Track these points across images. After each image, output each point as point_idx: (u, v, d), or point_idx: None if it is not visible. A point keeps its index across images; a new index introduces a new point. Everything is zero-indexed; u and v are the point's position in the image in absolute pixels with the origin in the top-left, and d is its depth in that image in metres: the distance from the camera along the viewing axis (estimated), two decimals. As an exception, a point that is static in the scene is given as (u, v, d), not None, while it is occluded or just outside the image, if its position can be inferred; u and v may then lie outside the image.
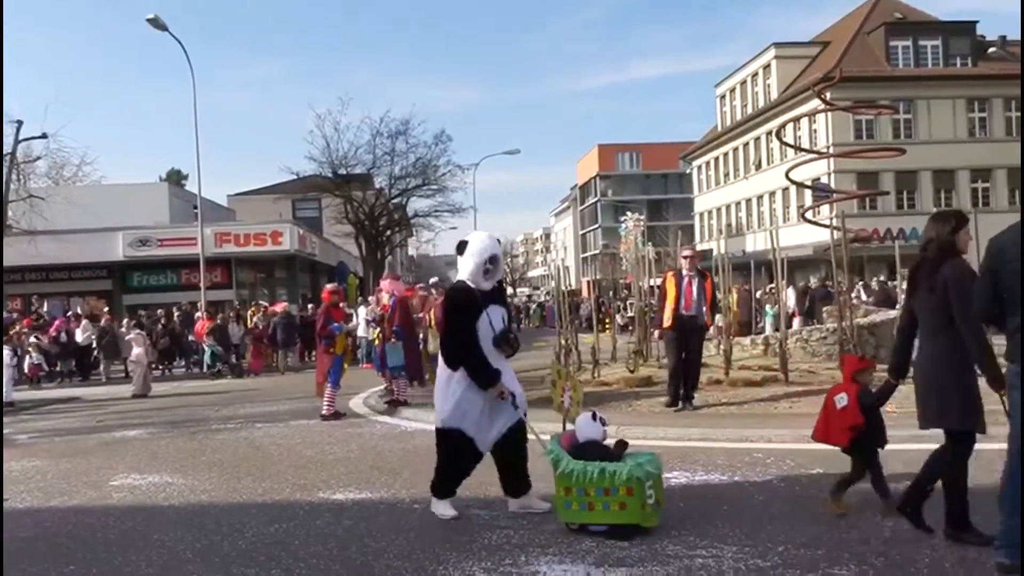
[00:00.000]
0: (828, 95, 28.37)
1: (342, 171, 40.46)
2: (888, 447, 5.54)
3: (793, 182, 16.28)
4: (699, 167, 54.01)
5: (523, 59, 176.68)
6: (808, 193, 28.16)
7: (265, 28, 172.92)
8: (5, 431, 11.85)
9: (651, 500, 5.24)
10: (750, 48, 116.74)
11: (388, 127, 40.52)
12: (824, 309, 16.96)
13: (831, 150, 30.32)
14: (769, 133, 40.42)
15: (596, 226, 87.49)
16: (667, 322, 10.34)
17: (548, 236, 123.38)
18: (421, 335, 11.92)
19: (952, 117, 38.10)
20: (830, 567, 4.46)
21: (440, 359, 5.96)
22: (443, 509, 5.95)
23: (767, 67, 43.39)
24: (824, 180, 33.81)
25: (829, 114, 34.94)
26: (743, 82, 46.25)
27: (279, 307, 25.13)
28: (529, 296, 64.08)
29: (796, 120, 36.02)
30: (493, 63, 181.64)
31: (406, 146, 41.12)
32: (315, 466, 8.23)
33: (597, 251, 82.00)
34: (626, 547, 5.02)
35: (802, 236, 31.13)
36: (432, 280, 12.94)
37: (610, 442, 5.75)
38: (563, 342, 15.22)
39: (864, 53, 38.41)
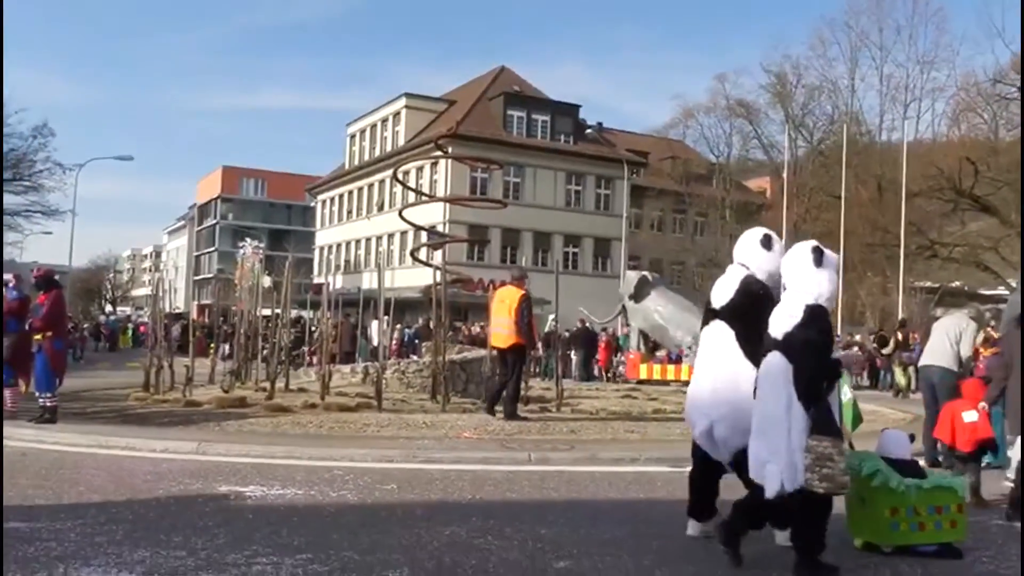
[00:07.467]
0: (449, 149, 30.16)
1: (-93, 150, 34.65)
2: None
3: (406, 221, 16.97)
4: (324, 202, 54.35)
5: (147, 63, 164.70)
6: (424, 238, 29.53)
7: None
8: None
9: None
10: (382, 94, 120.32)
11: (-25, 109, 35.55)
12: (424, 344, 17.82)
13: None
14: (392, 176, 42.02)
15: (213, 249, 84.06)
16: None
17: (159, 255, 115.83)
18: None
19: (553, 186, 42.50)
20: (384, 570, 4.63)
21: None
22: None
23: (397, 115, 45.18)
24: (440, 228, 35.73)
25: (449, 169, 37.26)
26: (374, 125, 47.65)
27: None
28: (129, 316, 59.23)
29: (419, 168, 37.90)
30: (114, 62, 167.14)
31: (-3, 133, 36.37)
32: None
33: (211, 275, 78.60)
34: (182, 556, 4.79)
35: (415, 279, 32.57)
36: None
37: None
38: (155, 360, 14.39)
39: (485, 117, 41.59)
